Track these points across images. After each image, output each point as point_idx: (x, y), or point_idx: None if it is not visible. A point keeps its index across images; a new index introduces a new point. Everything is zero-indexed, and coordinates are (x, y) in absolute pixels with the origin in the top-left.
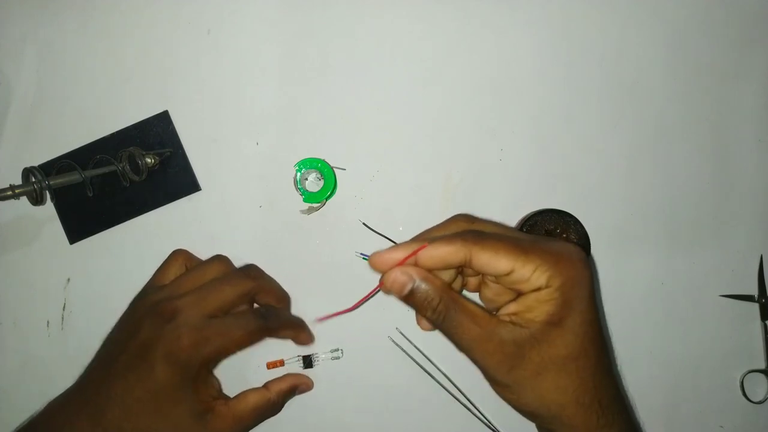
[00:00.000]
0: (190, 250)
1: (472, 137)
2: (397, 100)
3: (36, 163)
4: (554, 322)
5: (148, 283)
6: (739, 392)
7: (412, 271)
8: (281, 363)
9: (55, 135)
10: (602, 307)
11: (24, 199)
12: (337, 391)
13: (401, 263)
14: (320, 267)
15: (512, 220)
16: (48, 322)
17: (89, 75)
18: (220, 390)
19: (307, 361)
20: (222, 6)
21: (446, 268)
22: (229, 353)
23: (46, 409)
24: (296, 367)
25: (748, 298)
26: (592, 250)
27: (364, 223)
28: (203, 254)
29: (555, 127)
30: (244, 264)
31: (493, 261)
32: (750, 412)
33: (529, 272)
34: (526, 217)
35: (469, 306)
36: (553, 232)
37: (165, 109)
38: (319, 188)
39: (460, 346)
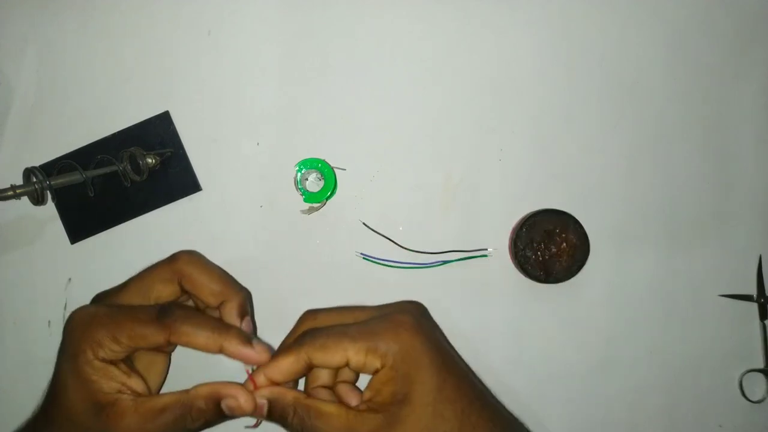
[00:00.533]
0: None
1: (472, 137)
2: (397, 100)
3: (37, 163)
4: (401, 401)
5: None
6: (738, 392)
7: (265, 392)
8: None
9: (56, 135)
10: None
11: (25, 199)
12: None
13: (255, 388)
14: (320, 267)
15: (512, 220)
16: (49, 322)
17: (90, 75)
18: (138, 388)
19: None
20: (222, 6)
21: (296, 377)
22: (119, 344)
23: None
24: None
25: (747, 297)
26: (592, 250)
27: (364, 223)
28: (204, 254)
29: (555, 127)
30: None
31: (329, 357)
32: (749, 412)
33: (363, 357)
34: (526, 217)
35: (324, 408)
36: (553, 232)
37: (166, 110)
38: (320, 188)
39: None
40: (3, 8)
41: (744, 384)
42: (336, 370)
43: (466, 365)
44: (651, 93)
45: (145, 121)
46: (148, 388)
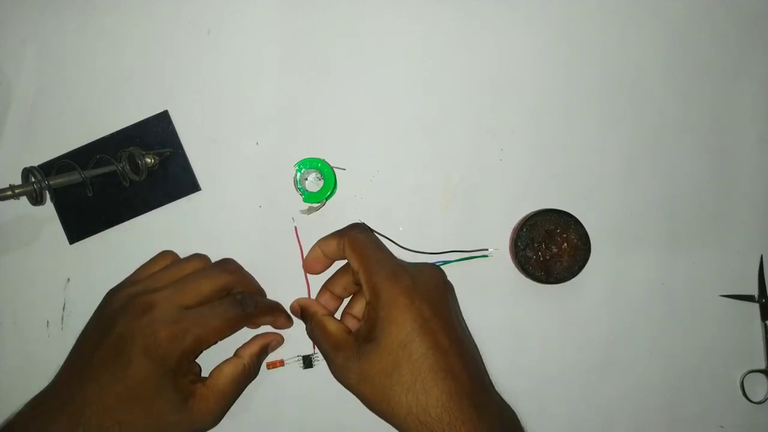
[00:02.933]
0: (190, 250)
1: (472, 137)
2: (397, 100)
3: (36, 163)
4: (367, 338)
5: (126, 278)
6: (740, 392)
7: (301, 301)
8: (281, 363)
9: (55, 135)
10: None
11: (24, 199)
12: (337, 392)
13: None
14: None
15: (512, 220)
16: (48, 322)
17: (89, 75)
18: (199, 373)
19: (307, 361)
20: (222, 6)
21: (336, 256)
22: (209, 342)
23: (22, 410)
24: (296, 366)
25: (748, 298)
26: (592, 250)
27: (363, 224)
28: (206, 255)
29: (555, 127)
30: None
31: (350, 259)
32: (750, 412)
33: (362, 281)
34: (526, 217)
35: (328, 326)
36: (553, 232)
37: (165, 109)
38: (319, 188)
39: (322, 351)
40: (3, 8)
41: (745, 384)
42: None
43: (462, 343)
44: (651, 93)
45: (144, 120)
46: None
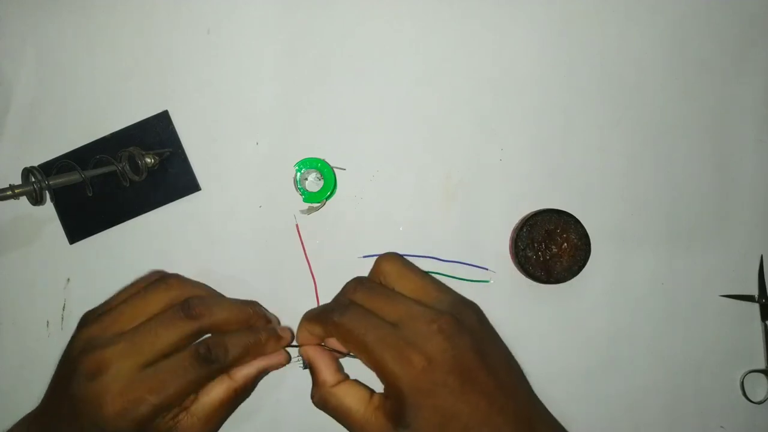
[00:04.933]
0: (190, 250)
1: (472, 137)
2: (397, 100)
3: (36, 163)
4: (400, 422)
5: (103, 302)
6: (740, 392)
7: (309, 351)
8: None
9: (55, 135)
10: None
11: (24, 199)
12: None
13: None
14: (320, 267)
15: (512, 220)
16: (48, 322)
17: (88, 75)
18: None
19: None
20: (221, 6)
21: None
22: (170, 408)
23: None
24: (296, 366)
25: (748, 298)
26: (592, 250)
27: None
28: (203, 254)
29: (555, 127)
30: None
31: (348, 349)
32: (750, 412)
33: (372, 369)
34: (526, 217)
35: (349, 398)
36: (553, 232)
37: (165, 109)
38: (319, 188)
39: (345, 428)
40: (3, 8)
41: (745, 385)
42: None
43: (503, 392)
44: (651, 93)
45: (143, 120)
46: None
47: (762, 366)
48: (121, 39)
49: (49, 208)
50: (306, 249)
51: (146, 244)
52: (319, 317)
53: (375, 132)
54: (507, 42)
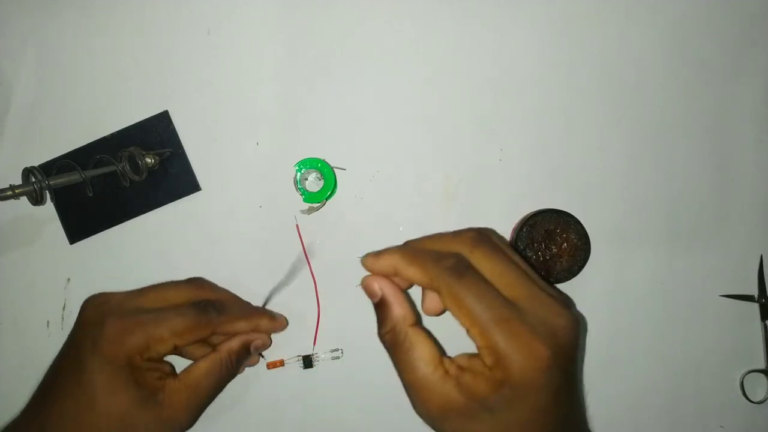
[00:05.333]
0: (190, 250)
1: (472, 137)
2: (397, 99)
3: (36, 163)
4: (484, 405)
5: None
6: (739, 392)
7: (383, 284)
8: (281, 363)
9: (55, 135)
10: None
11: (24, 199)
12: (337, 391)
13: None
14: (320, 267)
15: (512, 220)
16: (48, 322)
17: (89, 75)
18: (171, 370)
19: (307, 361)
20: (221, 6)
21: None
22: (164, 343)
23: None
24: (296, 366)
25: (748, 298)
26: (592, 251)
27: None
28: (203, 254)
29: (555, 127)
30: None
31: (453, 314)
32: (750, 412)
33: (477, 344)
34: (526, 217)
35: (422, 347)
36: (553, 232)
37: (165, 109)
38: (319, 188)
39: (402, 379)
40: (3, 8)
41: (745, 384)
42: None
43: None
44: (651, 93)
45: (144, 120)
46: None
47: (762, 366)
48: (121, 39)
49: (49, 208)
50: (306, 249)
51: (146, 244)
52: (426, 267)
53: (375, 132)
54: (507, 42)
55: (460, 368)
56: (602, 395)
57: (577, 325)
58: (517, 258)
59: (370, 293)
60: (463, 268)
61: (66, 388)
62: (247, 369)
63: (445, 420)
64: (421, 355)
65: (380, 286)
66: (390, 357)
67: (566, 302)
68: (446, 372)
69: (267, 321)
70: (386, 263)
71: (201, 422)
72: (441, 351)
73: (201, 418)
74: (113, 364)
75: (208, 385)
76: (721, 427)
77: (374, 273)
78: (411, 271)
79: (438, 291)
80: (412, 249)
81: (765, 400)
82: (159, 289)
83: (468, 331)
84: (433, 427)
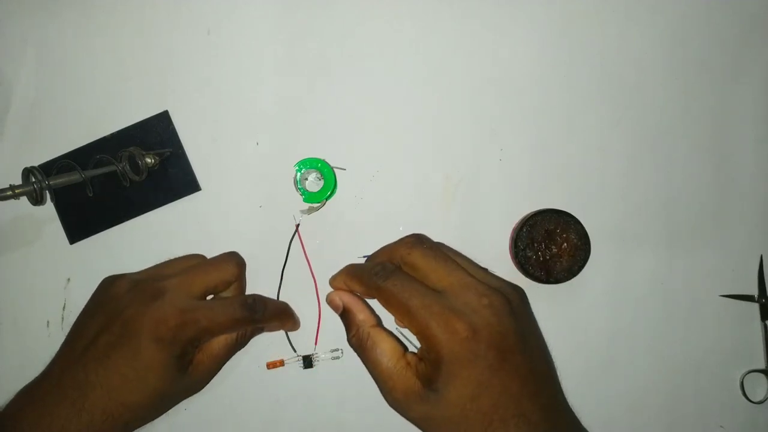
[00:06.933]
0: (190, 250)
1: (472, 137)
2: (397, 100)
3: (36, 163)
4: (430, 386)
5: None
6: (739, 392)
7: (344, 296)
8: (281, 363)
9: (55, 135)
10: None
11: (24, 199)
12: (337, 391)
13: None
14: (320, 267)
15: (512, 220)
16: (48, 322)
17: (89, 75)
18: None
19: (307, 361)
20: (221, 6)
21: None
22: (213, 336)
23: (16, 398)
24: (296, 366)
25: (748, 298)
26: (592, 251)
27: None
28: (203, 254)
29: (555, 127)
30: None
31: (391, 313)
32: (750, 412)
33: (413, 332)
34: (526, 217)
35: (383, 344)
36: (553, 232)
37: (165, 109)
38: (319, 188)
39: (371, 375)
40: (3, 8)
41: (745, 384)
42: None
43: (535, 379)
44: (651, 93)
45: (144, 120)
46: None
47: (762, 366)
48: (121, 39)
49: (49, 208)
50: (306, 249)
51: (146, 244)
52: (361, 278)
53: (375, 132)
54: (507, 42)
55: (419, 359)
56: (602, 395)
57: (505, 302)
58: (452, 253)
59: (333, 307)
60: (387, 272)
61: (114, 364)
62: (247, 369)
63: (410, 407)
64: (383, 350)
65: (341, 298)
66: (359, 357)
67: (498, 285)
68: (408, 363)
69: (292, 324)
70: (339, 281)
71: (201, 422)
72: (403, 348)
73: (201, 418)
74: (170, 353)
75: (225, 356)
76: (721, 427)
77: (336, 289)
78: (353, 285)
79: (375, 296)
80: (354, 266)
81: (765, 400)
82: (204, 272)
83: (407, 326)
84: (404, 416)
